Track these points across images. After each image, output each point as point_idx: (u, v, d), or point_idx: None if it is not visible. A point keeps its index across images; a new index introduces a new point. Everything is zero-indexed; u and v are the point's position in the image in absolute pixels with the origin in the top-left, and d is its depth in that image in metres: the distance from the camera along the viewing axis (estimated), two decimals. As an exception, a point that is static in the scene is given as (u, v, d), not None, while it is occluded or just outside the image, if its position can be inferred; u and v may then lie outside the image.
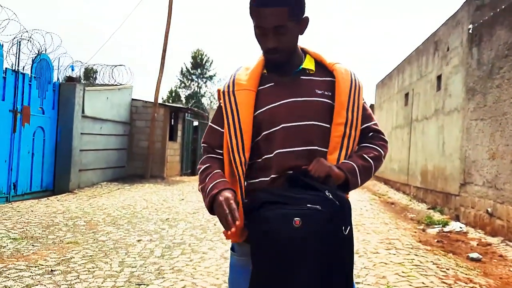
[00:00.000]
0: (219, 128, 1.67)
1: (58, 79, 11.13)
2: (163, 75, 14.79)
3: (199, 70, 43.65)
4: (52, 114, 10.55)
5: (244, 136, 1.58)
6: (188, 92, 43.08)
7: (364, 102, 1.70)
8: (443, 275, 4.36)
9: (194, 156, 17.64)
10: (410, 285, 4.02)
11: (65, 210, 7.62)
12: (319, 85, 1.62)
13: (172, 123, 15.82)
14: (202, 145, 1.73)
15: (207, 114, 19.23)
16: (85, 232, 5.91)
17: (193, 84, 43.67)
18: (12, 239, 5.34)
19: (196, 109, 17.49)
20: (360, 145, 1.68)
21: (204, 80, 43.68)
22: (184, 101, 39.60)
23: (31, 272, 4.09)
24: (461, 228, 7.29)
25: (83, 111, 11.22)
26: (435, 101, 10.22)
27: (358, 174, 1.56)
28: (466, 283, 4.18)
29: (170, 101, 39.71)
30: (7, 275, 3.96)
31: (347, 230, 1.42)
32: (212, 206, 1.51)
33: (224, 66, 67.02)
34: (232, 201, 1.45)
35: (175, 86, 43.59)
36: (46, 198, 9.28)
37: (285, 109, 1.59)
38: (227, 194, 1.49)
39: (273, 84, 1.63)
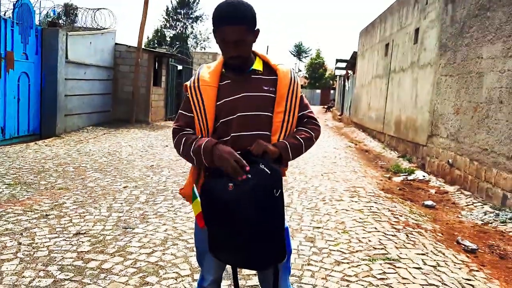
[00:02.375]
0: (189, 114, 2.08)
1: (39, 23, 11.12)
2: (147, 16, 14.68)
3: (184, 10, 42.60)
4: (36, 59, 10.66)
5: (209, 121, 2.02)
6: (174, 32, 42.25)
7: (302, 95, 2.14)
8: (394, 221, 4.96)
9: (178, 101, 17.88)
10: (364, 229, 4.60)
11: (54, 156, 8.02)
12: (265, 83, 2.05)
13: (156, 68, 15.93)
14: (174, 127, 2.14)
15: (191, 60, 19.27)
16: (74, 178, 6.36)
17: (179, 25, 42.76)
18: (7, 184, 5.77)
19: (180, 55, 17.48)
20: (296, 128, 2.12)
21: (190, 20, 42.76)
22: (169, 41, 38.92)
23: (28, 216, 4.57)
24: (424, 176, 7.93)
25: (66, 57, 11.32)
26: (412, 53, 10.56)
27: (289, 151, 2.02)
28: (413, 228, 4.78)
29: (155, 41, 39.08)
30: (7, 219, 4.43)
31: (278, 193, 1.88)
32: (212, 157, 1.92)
33: (212, 5, 65.11)
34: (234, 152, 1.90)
35: (160, 26, 42.63)
36: (34, 143, 9.63)
37: (239, 101, 2.01)
38: (228, 148, 1.92)
39: (230, 81, 2.05)
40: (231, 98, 2.01)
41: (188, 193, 2.08)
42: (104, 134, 11.70)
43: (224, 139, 2.02)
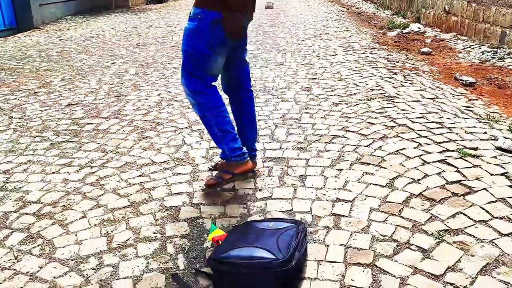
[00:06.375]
0: None
1: None
2: None
3: None
4: None
5: None
6: None
7: None
8: (391, 66, 4.85)
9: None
10: (360, 76, 4.51)
11: (35, 44, 7.68)
12: None
13: None
14: None
15: None
16: (59, 61, 6.12)
17: None
18: (-10, 71, 5.57)
19: None
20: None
21: None
22: None
23: (16, 95, 4.45)
24: (419, 28, 7.66)
25: None
26: None
27: None
28: (410, 71, 4.69)
29: None
30: (-5, 100, 4.31)
31: None
32: None
33: None
34: None
35: None
36: (12, 36, 9.18)
37: None
38: None
39: None
40: None
41: None
42: (85, 21, 11.12)
43: None
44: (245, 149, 2.39)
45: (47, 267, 1.82)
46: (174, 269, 1.77)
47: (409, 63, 5.08)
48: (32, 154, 2.96)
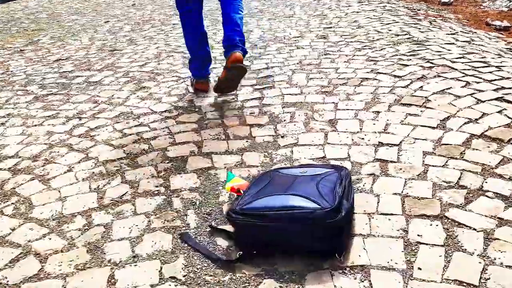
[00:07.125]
0: None
1: None
2: None
3: None
4: None
5: None
6: None
7: None
8: (413, 14, 4.38)
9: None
10: (381, 23, 4.04)
11: (24, 8, 7.20)
12: None
13: None
14: None
15: None
16: (49, 22, 5.65)
17: None
18: (-27, 33, 5.11)
19: None
20: None
21: None
22: None
23: (-1, 53, 4.02)
24: (435, -19, 7.12)
25: None
26: None
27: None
28: (435, 17, 4.23)
29: None
30: (-24, 58, 3.88)
31: None
32: None
33: None
34: None
35: None
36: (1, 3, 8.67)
37: None
38: None
39: None
40: None
41: None
42: (77, -12, 10.56)
43: None
44: (206, 72, 2.60)
45: (22, 228, 1.43)
46: (184, 228, 1.38)
47: (431, 11, 4.62)
48: (13, 108, 2.55)
